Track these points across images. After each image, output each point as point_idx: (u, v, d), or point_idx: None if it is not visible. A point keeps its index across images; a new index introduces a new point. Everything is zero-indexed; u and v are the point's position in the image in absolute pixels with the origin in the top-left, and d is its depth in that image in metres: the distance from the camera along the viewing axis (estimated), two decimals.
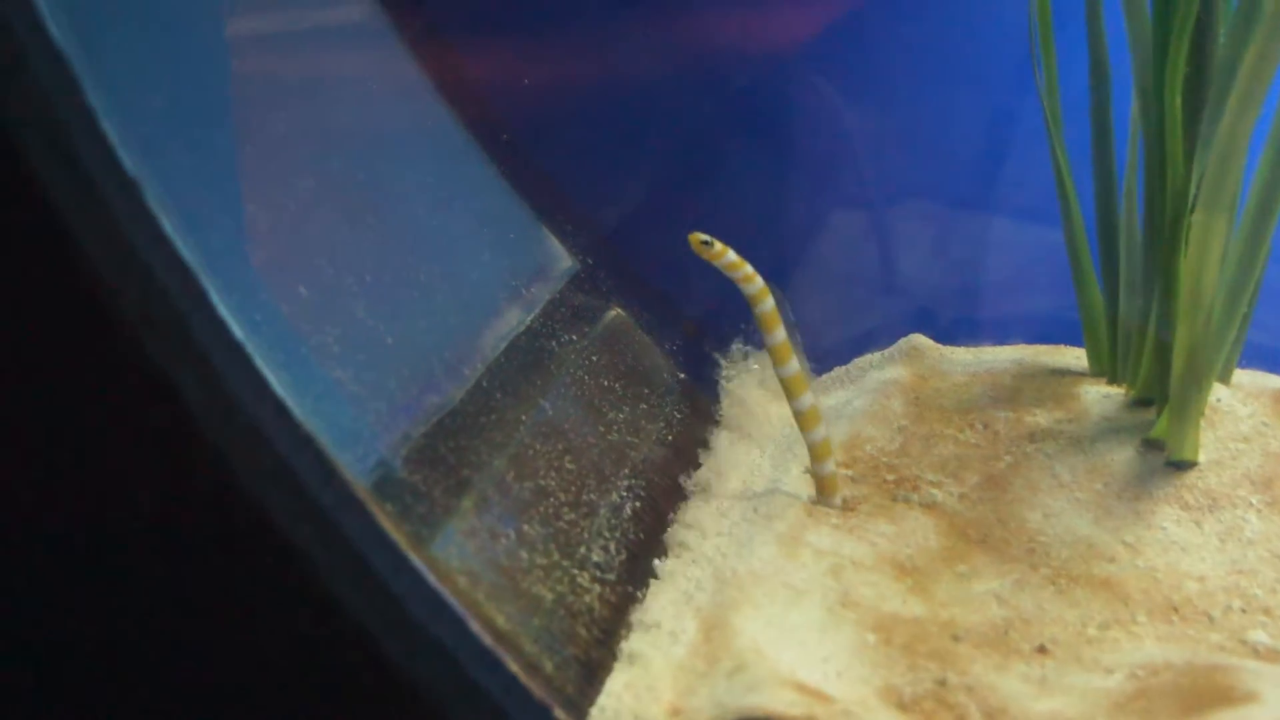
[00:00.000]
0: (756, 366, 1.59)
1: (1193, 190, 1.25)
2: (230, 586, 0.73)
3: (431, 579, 0.76)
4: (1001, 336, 1.66)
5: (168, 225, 0.73)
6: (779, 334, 1.25)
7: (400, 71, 1.40)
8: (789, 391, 1.26)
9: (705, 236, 1.21)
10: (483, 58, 1.55)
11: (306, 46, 1.25)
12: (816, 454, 1.27)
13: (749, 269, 1.23)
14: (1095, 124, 1.43)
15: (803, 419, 1.27)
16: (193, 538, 0.72)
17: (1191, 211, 1.25)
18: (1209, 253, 1.23)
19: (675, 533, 1.21)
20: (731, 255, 1.22)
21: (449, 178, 1.41)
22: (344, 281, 1.06)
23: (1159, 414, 1.33)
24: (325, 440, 0.75)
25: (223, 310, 0.74)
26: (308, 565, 0.72)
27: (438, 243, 1.28)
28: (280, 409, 0.74)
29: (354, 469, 0.78)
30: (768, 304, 1.24)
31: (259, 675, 0.74)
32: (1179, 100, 1.26)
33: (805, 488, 1.29)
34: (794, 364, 1.25)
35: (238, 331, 0.74)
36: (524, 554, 1.01)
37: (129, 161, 0.72)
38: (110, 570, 0.73)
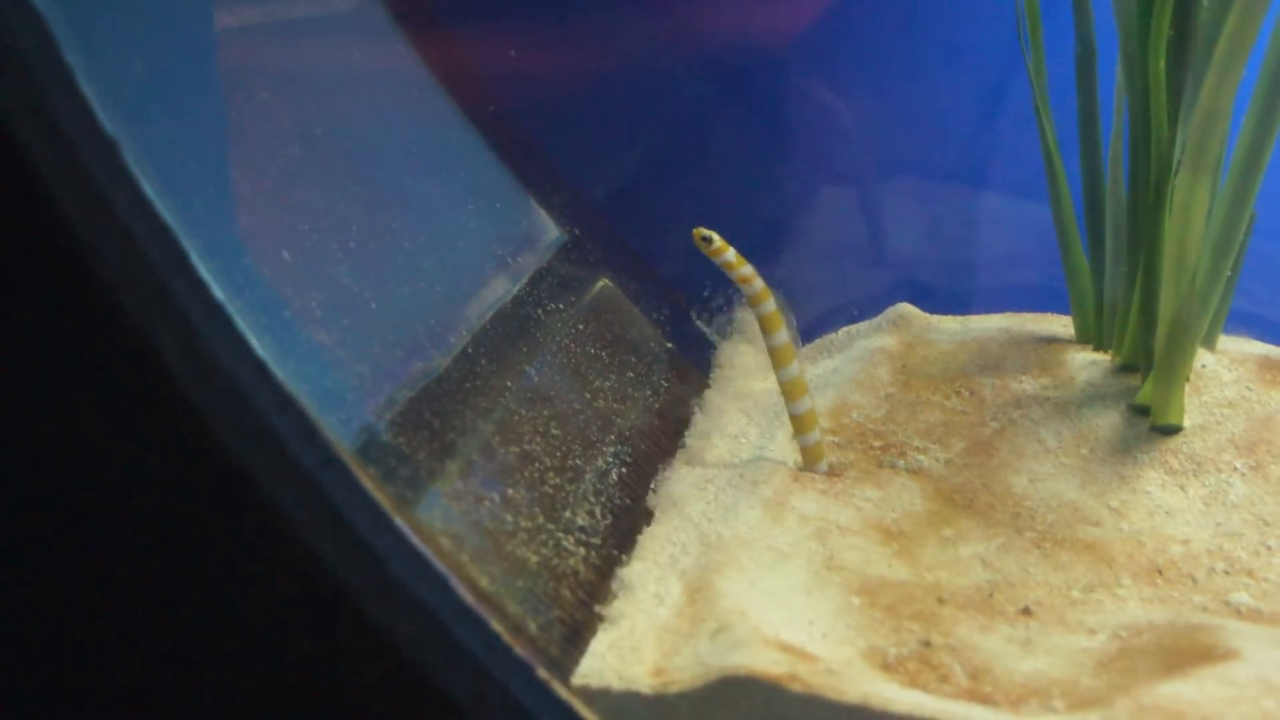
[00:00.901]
0: (743, 335, 1.59)
1: (1177, 154, 1.25)
2: (210, 547, 0.73)
3: (414, 540, 0.76)
4: (989, 306, 1.66)
5: (147, 187, 0.72)
6: (769, 305, 1.25)
7: (388, 44, 1.40)
8: (775, 361, 1.27)
9: (706, 233, 1.21)
10: (471, 31, 1.55)
11: (293, 17, 1.25)
12: (801, 425, 1.27)
13: (748, 269, 1.23)
14: (1081, 91, 1.43)
15: (788, 389, 1.27)
16: (172, 498, 0.72)
17: (1175, 174, 1.25)
18: (1193, 215, 1.23)
19: (661, 498, 1.21)
20: (730, 255, 1.22)
21: (436, 148, 1.41)
22: (328, 247, 1.06)
23: (1144, 379, 1.33)
24: (307, 402, 0.75)
25: (203, 272, 0.73)
26: (289, 526, 0.72)
27: (423, 211, 1.28)
28: (261, 370, 0.74)
29: (337, 431, 0.78)
30: (768, 305, 1.25)
31: (239, 636, 0.74)
32: (1163, 64, 1.26)
33: (792, 454, 1.29)
34: (783, 334, 1.26)
35: (218, 293, 0.74)
36: (509, 517, 1.01)
37: (108, 122, 0.72)
38: (87, 530, 0.73)
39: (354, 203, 1.16)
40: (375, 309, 1.07)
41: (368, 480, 0.75)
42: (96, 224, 0.71)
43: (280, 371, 0.74)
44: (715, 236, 1.21)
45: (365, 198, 1.18)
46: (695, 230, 1.21)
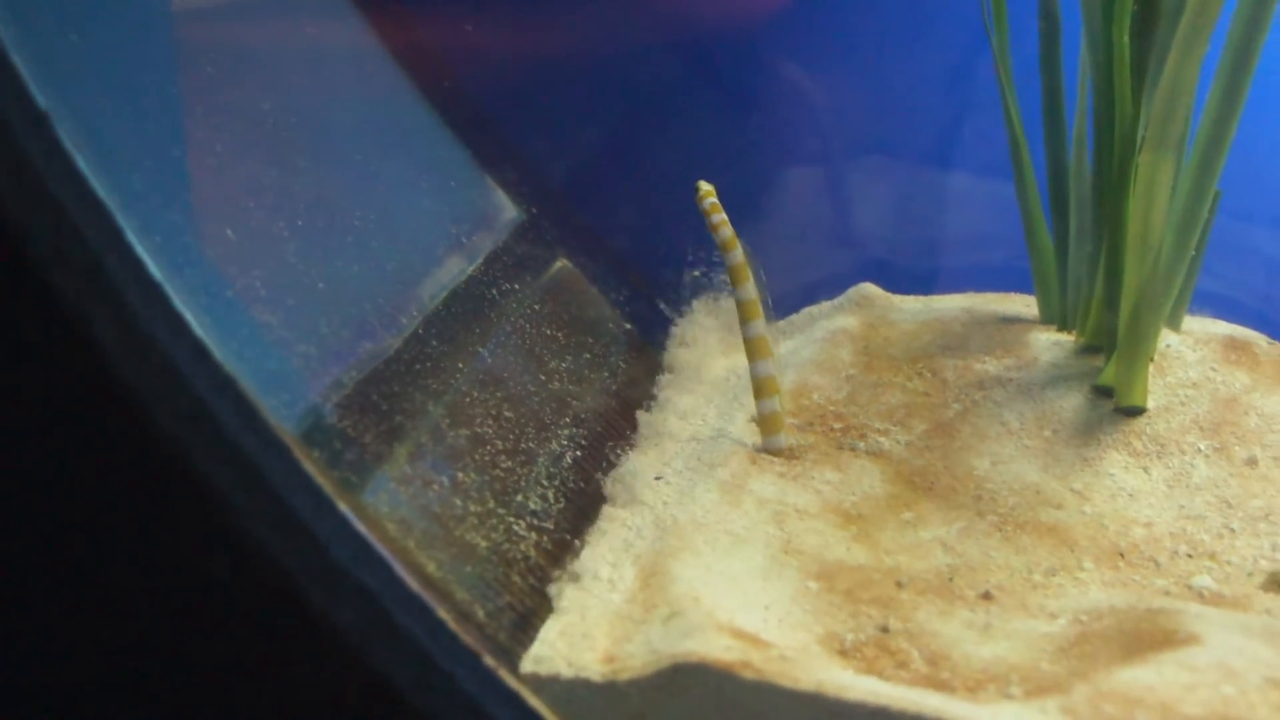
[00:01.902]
0: (703, 316, 1.58)
1: (1141, 132, 1.24)
2: (147, 529, 0.71)
3: (357, 524, 0.74)
4: (953, 285, 1.65)
5: (81, 162, 0.71)
6: (737, 255, 1.25)
7: (342, 19, 1.38)
8: (740, 315, 1.26)
9: (706, 185, 1.26)
10: (428, 7, 1.53)
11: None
12: (759, 389, 1.26)
13: (719, 217, 1.26)
14: (1045, 69, 1.42)
15: (749, 348, 1.26)
16: (107, 480, 0.70)
17: (1139, 153, 1.24)
18: (1156, 193, 1.22)
19: (617, 481, 1.19)
20: (707, 203, 1.25)
21: (389, 125, 1.39)
22: (274, 225, 1.04)
23: (1108, 360, 1.32)
24: (248, 383, 0.73)
25: (139, 249, 0.72)
26: (228, 510, 0.70)
27: (375, 189, 1.26)
28: (199, 350, 0.72)
29: (279, 413, 0.76)
30: (736, 255, 1.25)
31: (176, 620, 0.72)
32: (1126, 39, 1.25)
33: (750, 436, 1.28)
34: (750, 289, 1.25)
35: (155, 271, 0.72)
36: (458, 501, 1.00)
37: (40, 95, 0.70)
38: (22, 513, 0.71)
39: (303, 180, 1.14)
40: (323, 288, 1.05)
41: (310, 463, 0.73)
42: (27, 200, 0.69)
43: (220, 352, 0.72)
44: (703, 185, 1.26)
45: (314, 175, 1.16)
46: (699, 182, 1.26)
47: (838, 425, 1.32)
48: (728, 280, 1.27)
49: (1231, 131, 1.27)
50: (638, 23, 1.67)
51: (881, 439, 1.30)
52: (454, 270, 1.29)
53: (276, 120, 1.15)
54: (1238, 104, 1.25)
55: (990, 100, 1.47)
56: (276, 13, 1.27)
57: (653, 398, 1.40)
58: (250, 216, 1.02)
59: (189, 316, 0.72)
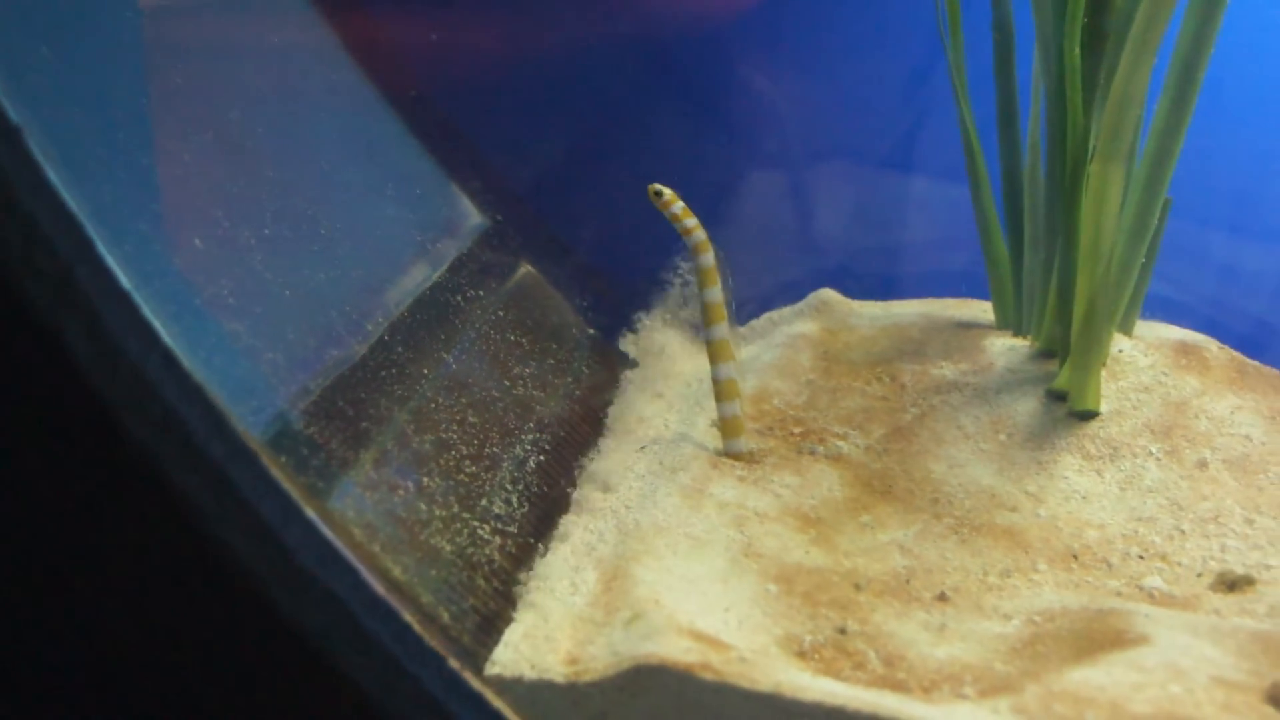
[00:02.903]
0: (667, 321, 1.59)
1: (1092, 141, 1.26)
2: (117, 538, 0.72)
3: (324, 530, 0.75)
4: (911, 291, 1.67)
5: (52, 174, 0.72)
6: (708, 258, 1.27)
7: (308, 28, 1.39)
8: (707, 320, 1.28)
9: (658, 187, 1.26)
10: (394, 14, 1.54)
11: (209, 3, 1.24)
12: (720, 393, 1.28)
13: (691, 221, 1.28)
14: (1000, 79, 1.44)
15: (711, 351, 1.28)
16: (77, 488, 0.72)
17: (1091, 162, 1.26)
18: (1107, 202, 1.24)
19: (580, 486, 1.21)
20: (677, 207, 1.27)
21: (355, 133, 1.40)
22: (241, 234, 1.05)
23: (1062, 365, 1.34)
24: (217, 391, 0.74)
25: (109, 260, 0.73)
26: (197, 517, 0.71)
27: (341, 197, 1.27)
28: (169, 359, 0.73)
29: (247, 420, 0.77)
30: (707, 258, 1.27)
31: (145, 626, 0.73)
32: (1078, 51, 1.27)
33: (712, 440, 1.30)
34: (716, 292, 1.27)
35: (125, 281, 0.73)
36: (423, 506, 1.01)
37: (12, 109, 0.71)
38: None
39: (270, 189, 1.15)
40: (290, 296, 1.07)
41: (278, 470, 0.74)
42: None
43: (188, 360, 0.74)
44: (664, 190, 1.25)
45: (282, 184, 1.17)
46: (649, 186, 1.26)
47: (797, 430, 1.34)
48: (693, 283, 1.29)
49: (1179, 142, 1.29)
50: (602, 30, 1.68)
51: (840, 443, 1.32)
52: (419, 277, 1.30)
53: (244, 129, 1.16)
54: (1185, 115, 1.28)
55: (949, 108, 1.48)
56: (244, 23, 1.27)
57: (616, 403, 1.42)
58: (218, 225, 1.03)
59: (158, 326, 0.73)
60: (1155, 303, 1.48)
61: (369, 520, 0.94)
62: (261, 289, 1.03)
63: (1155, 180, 1.30)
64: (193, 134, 1.07)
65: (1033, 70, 1.40)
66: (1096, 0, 1.26)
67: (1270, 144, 1.58)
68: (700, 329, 1.30)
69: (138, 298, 0.73)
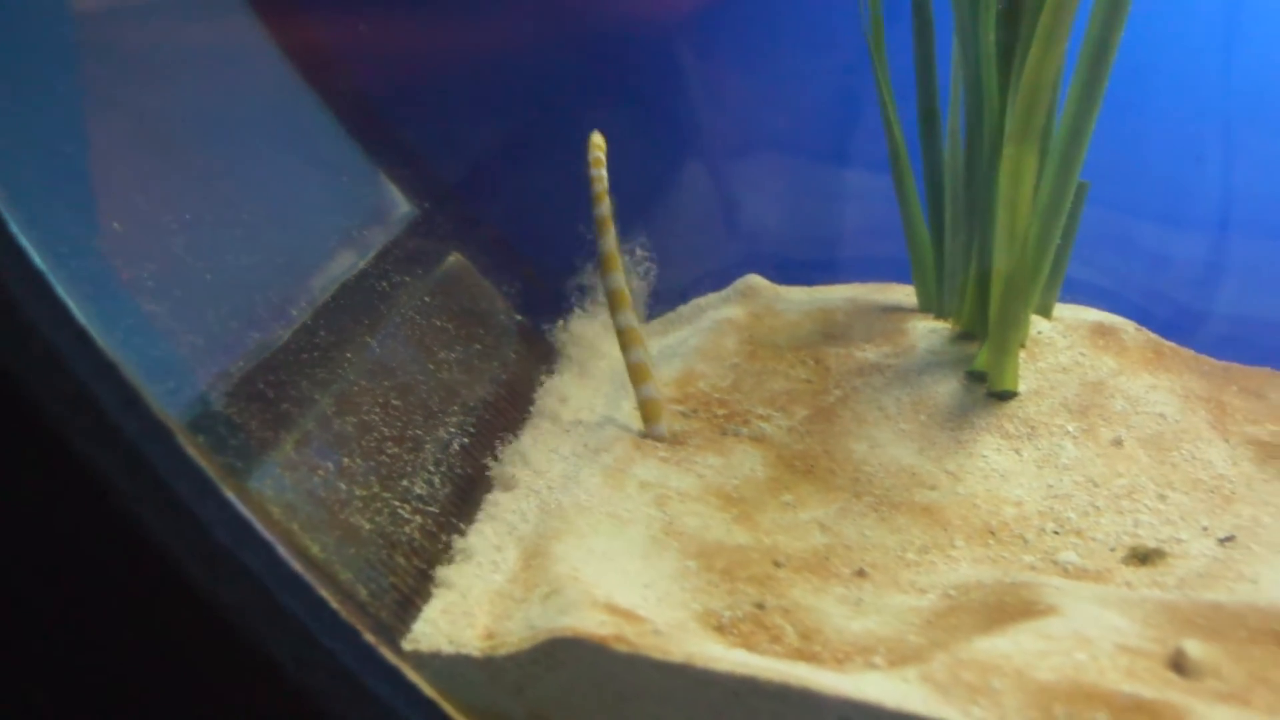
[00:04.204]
0: (596, 309, 1.60)
1: (1008, 124, 1.27)
2: (29, 513, 0.73)
3: (239, 507, 0.76)
4: (838, 277, 1.68)
5: None
6: (609, 241, 1.29)
7: (233, 17, 1.39)
8: (612, 307, 1.30)
9: (599, 139, 1.33)
10: (323, 9, 1.54)
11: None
12: (636, 375, 1.29)
13: (600, 172, 1.32)
14: (919, 64, 1.46)
15: (623, 337, 1.30)
16: None
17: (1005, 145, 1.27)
18: (1022, 184, 1.26)
19: (504, 467, 1.22)
20: (598, 153, 1.32)
21: (281, 122, 1.41)
22: (162, 219, 1.06)
23: (981, 347, 1.36)
24: (130, 370, 0.75)
25: (22, 240, 0.73)
26: (110, 493, 0.72)
27: (266, 185, 1.28)
28: (81, 337, 0.74)
29: (164, 400, 0.78)
30: (603, 208, 1.30)
31: (58, 600, 0.74)
32: (992, 36, 1.29)
33: (636, 423, 1.31)
34: (619, 277, 1.28)
35: (39, 261, 0.74)
36: (344, 486, 1.02)
37: None
38: None
39: (192, 175, 1.15)
40: (211, 280, 1.07)
41: (193, 448, 0.75)
42: None
43: (103, 339, 0.74)
44: (602, 143, 1.32)
45: (205, 171, 1.18)
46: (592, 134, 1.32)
47: (721, 412, 1.35)
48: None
49: (1091, 125, 1.30)
50: (533, 20, 1.69)
51: (764, 424, 1.33)
52: (345, 264, 1.31)
53: (167, 117, 1.16)
54: (1097, 97, 1.29)
55: (874, 96, 1.50)
56: (168, 11, 1.28)
57: (543, 387, 1.43)
58: (139, 210, 1.04)
59: (71, 305, 0.74)
60: (1081, 287, 1.50)
61: (288, 499, 0.95)
62: (182, 273, 1.04)
63: (1069, 162, 1.31)
64: (115, 121, 1.08)
65: (952, 55, 1.41)
66: None
67: (1189, 132, 1.61)
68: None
69: (51, 277, 0.73)
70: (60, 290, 0.74)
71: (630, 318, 1.29)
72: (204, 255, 1.08)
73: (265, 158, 1.31)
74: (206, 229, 1.11)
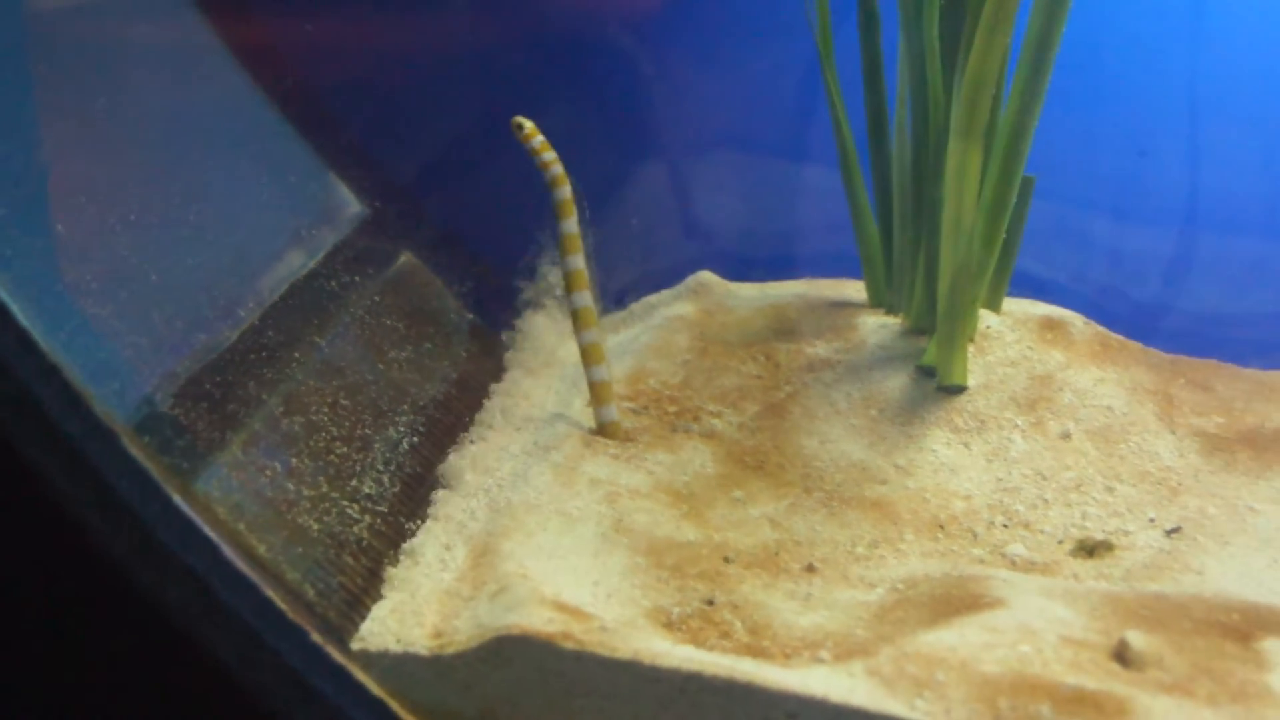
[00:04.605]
0: (548, 308, 1.60)
1: (953, 120, 1.28)
2: None
3: (184, 508, 0.76)
4: (790, 272, 1.69)
5: None
6: (565, 190, 1.29)
7: (179, 16, 1.38)
8: (570, 287, 1.30)
9: (520, 119, 1.28)
10: (270, 8, 1.54)
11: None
12: (588, 356, 1.30)
13: (550, 155, 1.29)
14: (866, 63, 1.46)
15: (578, 317, 1.30)
16: None
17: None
18: (967, 179, 1.26)
19: (454, 465, 1.22)
20: (537, 141, 1.28)
21: (229, 122, 1.40)
22: (106, 220, 1.05)
23: (930, 342, 1.36)
24: (74, 371, 0.75)
25: None
26: (53, 494, 0.72)
27: (212, 185, 1.27)
28: (23, 339, 0.73)
29: (109, 401, 0.78)
30: (564, 191, 1.29)
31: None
32: (936, 30, 1.30)
33: (586, 420, 1.31)
34: (579, 259, 1.28)
35: None
36: (291, 486, 1.02)
37: None
38: None
39: (137, 176, 1.15)
40: (157, 281, 1.07)
41: (137, 449, 0.75)
42: None
43: (46, 341, 0.74)
44: (525, 124, 1.28)
45: (149, 171, 1.17)
46: (513, 119, 1.28)
47: (672, 409, 1.36)
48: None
49: (1035, 118, 1.30)
50: (485, 17, 1.69)
51: (714, 421, 1.34)
52: (294, 264, 1.31)
53: (111, 117, 1.16)
54: (1040, 91, 1.29)
55: (823, 94, 1.50)
56: (111, 10, 1.27)
57: (494, 386, 1.43)
58: (82, 212, 1.04)
59: (13, 306, 0.73)
60: (1030, 282, 1.51)
61: (235, 500, 0.95)
62: (127, 274, 1.04)
63: (1013, 157, 1.31)
64: (57, 122, 1.07)
65: (898, 51, 1.42)
66: None
67: (1136, 126, 1.62)
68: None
69: None
70: (2, 293, 0.74)
71: (587, 298, 1.28)
72: (149, 256, 1.07)
73: (212, 157, 1.31)
74: (152, 229, 1.11)
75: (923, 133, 1.36)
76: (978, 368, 1.36)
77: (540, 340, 1.53)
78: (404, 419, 1.24)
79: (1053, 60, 1.27)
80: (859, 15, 1.44)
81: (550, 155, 1.27)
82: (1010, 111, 1.30)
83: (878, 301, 1.52)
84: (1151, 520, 1.18)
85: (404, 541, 1.09)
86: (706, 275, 1.65)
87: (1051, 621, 0.94)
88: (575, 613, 0.94)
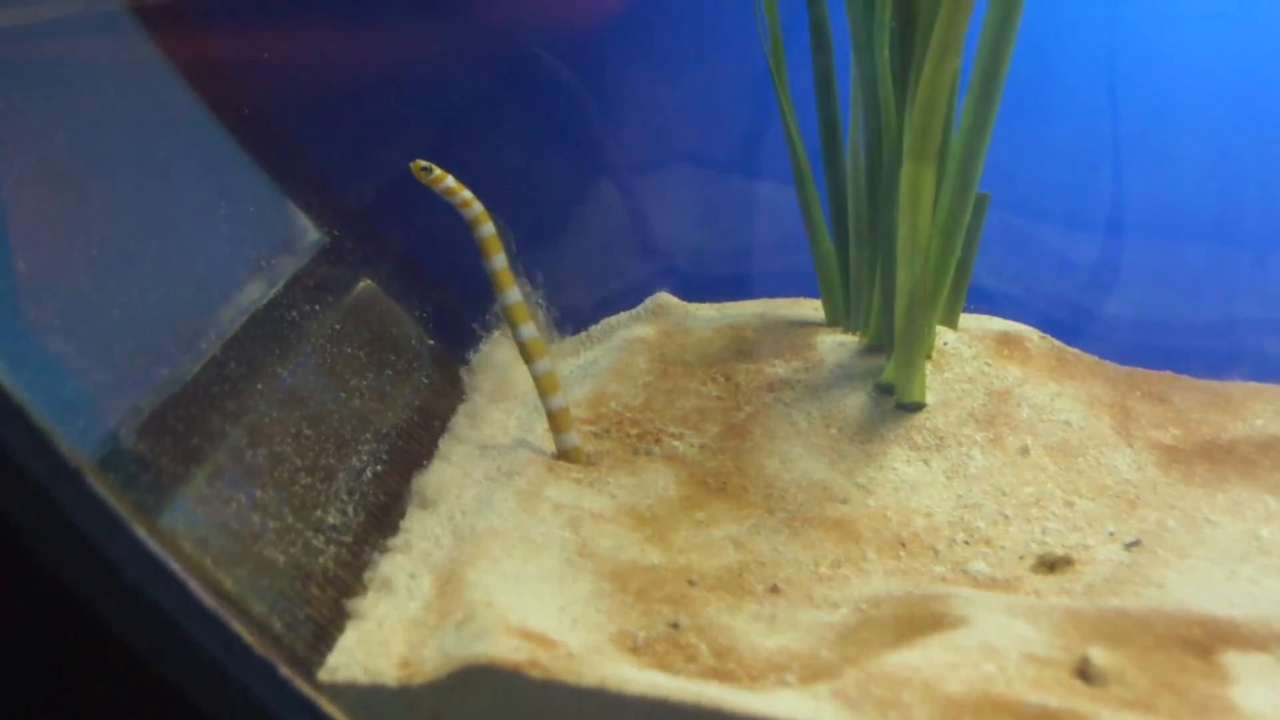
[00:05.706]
0: (507, 332, 1.60)
1: (906, 141, 1.29)
2: None
3: (150, 544, 0.76)
4: (748, 292, 1.70)
5: None
6: (488, 228, 1.29)
7: (135, 46, 1.38)
8: (511, 322, 1.31)
9: (425, 163, 1.26)
10: (223, 31, 1.54)
11: (31, 18, 1.24)
12: (544, 387, 1.31)
13: (467, 194, 1.28)
14: (819, 84, 1.47)
15: (526, 350, 1.31)
16: None
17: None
18: (921, 199, 1.28)
19: (417, 494, 1.22)
20: (450, 181, 1.27)
21: (186, 152, 1.40)
22: (67, 255, 1.05)
23: (888, 360, 1.37)
24: (39, 411, 0.75)
25: None
26: (19, 535, 0.72)
27: (172, 216, 1.27)
28: None
29: (74, 440, 0.78)
30: (488, 228, 1.29)
31: None
32: (887, 54, 1.31)
33: (548, 445, 1.31)
34: (515, 291, 1.29)
35: None
36: (256, 519, 1.02)
37: None
38: None
39: (96, 210, 1.15)
40: (118, 316, 1.07)
41: (103, 487, 0.75)
42: None
43: (10, 381, 0.74)
44: (433, 167, 1.27)
45: (109, 204, 1.17)
46: (412, 163, 1.27)
47: (634, 431, 1.36)
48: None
49: (986, 139, 1.32)
50: (440, 43, 1.69)
51: (676, 443, 1.35)
52: (254, 294, 1.30)
53: (71, 151, 1.16)
54: (990, 112, 1.30)
55: (778, 116, 1.51)
56: (67, 40, 1.27)
57: (456, 412, 1.43)
58: (42, 247, 1.04)
59: None
60: (987, 297, 1.52)
61: (200, 534, 0.95)
62: (89, 310, 1.04)
63: (967, 175, 1.33)
64: (14, 157, 1.07)
65: (850, 72, 1.43)
66: (902, 5, 1.30)
67: (1087, 140, 1.63)
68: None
69: None
70: None
71: (531, 329, 1.29)
72: (110, 291, 1.07)
73: (171, 188, 1.31)
74: (113, 264, 1.11)
75: (876, 154, 1.37)
76: (936, 385, 1.37)
77: (501, 366, 1.53)
78: (367, 447, 1.24)
79: (1003, 81, 1.29)
80: (810, 36, 1.45)
81: (466, 194, 1.27)
82: (963, 132, 1.32)
83: (835, 320, 1.54)
84: (1111, 534, 1.19)
85: (369, 571, 1.09)
86: (665, 296, 1.66)
87: (1014, 639, 0.95)
88: (541, 640, 0.94)
